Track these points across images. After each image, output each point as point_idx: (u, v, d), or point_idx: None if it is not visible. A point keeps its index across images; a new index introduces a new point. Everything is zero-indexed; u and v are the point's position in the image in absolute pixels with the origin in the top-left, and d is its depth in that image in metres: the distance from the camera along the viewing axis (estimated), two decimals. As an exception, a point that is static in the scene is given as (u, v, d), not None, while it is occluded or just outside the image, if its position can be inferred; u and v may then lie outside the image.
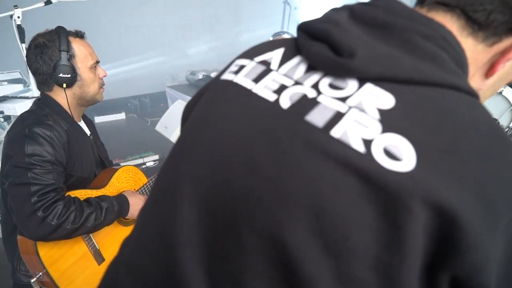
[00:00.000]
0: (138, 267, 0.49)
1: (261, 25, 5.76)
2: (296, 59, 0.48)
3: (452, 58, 0.44)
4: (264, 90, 0.47)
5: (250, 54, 0.54)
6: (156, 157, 3.37)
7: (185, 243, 0.43)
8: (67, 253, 1.28)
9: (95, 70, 1.39)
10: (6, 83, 2.89)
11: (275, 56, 0.50)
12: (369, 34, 0.44)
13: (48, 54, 1.29)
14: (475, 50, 0.47)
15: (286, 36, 2.90)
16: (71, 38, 1.32)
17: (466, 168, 0.37)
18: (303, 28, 0.49)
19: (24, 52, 2.07)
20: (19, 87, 2.86)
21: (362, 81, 0.42)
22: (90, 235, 1.35)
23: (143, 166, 3.23)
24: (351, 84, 0.42)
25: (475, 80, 0.49)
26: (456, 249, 0.35)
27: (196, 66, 5.11)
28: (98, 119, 4.36)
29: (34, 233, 1.16)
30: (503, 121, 2.69)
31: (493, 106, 3.44)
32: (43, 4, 2.13)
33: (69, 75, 1.30)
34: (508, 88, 3.34)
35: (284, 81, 0.47)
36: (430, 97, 0.41)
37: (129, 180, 1.56)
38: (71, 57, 1.31)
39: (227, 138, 0.46)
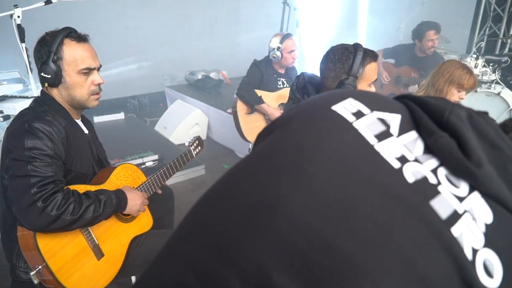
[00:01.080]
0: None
1: (261, 25, 5.77)
2: (413, 134, 0.49)
3: None
4: (387, 153, 0.46)
5: (368, 102, 0.52)
6: (155, 157, 3.36)
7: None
8: (67, 247, 1.29)
9: (86, 75, 1.37)
10: (5, 82, 2.91)
11: (393, 120, 0.50)
12: (480, 145, 0.48)
13: (41, 52, 1.32)
14: None
15: (293, 38, 2.78)
16: (66, 40, 1.32)
17: None
18: (424, 107, 0.51)
19: (24, 52, 2.08)
20: (18, 86, 2.88)
21: (471, 187, 0.45)
22: (89, 230, 1.36)
23: (143, 166, 3.23)
24: (463, 186, 0.45)
25: None
26: None
27: (195, 67, 5.11)
28: (97, 119, 4.37)
29: (34, 223, 1.18)
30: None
31: (493, 107, 3.46)
32: (43, 3, 2.14)
33: (49, 76, 1.31)
34: (507, 89, 3.36)
35: (405, 153, 0.47)
36: None
37: (127, 178, 1.57)
38: (58, 58, 1.31)
39: (349, 186, 0.43)
